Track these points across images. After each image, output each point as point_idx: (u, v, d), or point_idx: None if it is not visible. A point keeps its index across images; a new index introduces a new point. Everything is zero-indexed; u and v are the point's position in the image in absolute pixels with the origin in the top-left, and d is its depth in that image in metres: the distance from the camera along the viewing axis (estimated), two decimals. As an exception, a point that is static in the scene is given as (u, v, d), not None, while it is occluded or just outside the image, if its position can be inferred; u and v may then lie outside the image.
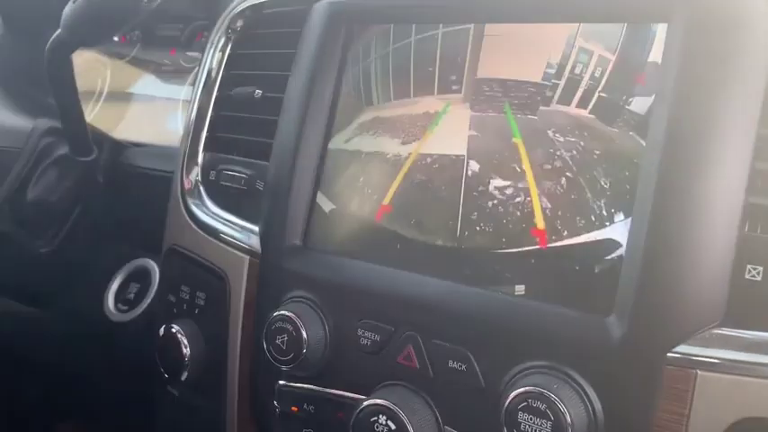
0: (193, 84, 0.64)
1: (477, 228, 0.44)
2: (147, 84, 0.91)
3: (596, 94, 0.41)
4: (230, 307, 0.53)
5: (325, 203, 0.50)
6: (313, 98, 0.51)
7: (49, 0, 0.90)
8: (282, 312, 0.47)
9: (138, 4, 0.54)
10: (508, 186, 0.43)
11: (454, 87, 0.46)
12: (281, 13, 0.57)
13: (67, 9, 0.58)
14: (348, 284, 0.47)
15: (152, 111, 0.87)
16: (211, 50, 0.61)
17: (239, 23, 0.60)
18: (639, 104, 0.40)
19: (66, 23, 0.58)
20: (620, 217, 0.39)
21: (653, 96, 0.39)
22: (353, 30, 0.51)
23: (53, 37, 0.61)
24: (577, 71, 0.42)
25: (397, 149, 0.47)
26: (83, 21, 0.57)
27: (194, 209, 0.58)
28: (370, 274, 0.46)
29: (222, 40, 0.60)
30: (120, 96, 0.91)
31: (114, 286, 0.74)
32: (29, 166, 0.70)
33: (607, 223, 0.40)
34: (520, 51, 0.44)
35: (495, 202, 0.43)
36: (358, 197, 0.49)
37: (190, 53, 0.86)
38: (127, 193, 0.75)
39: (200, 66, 0.62)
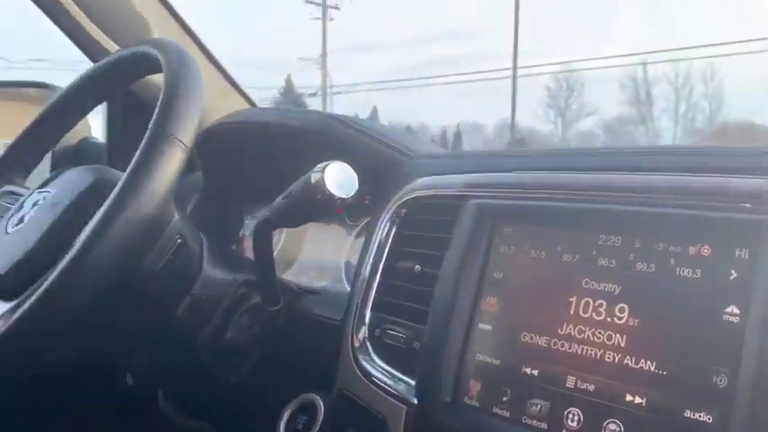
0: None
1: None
2: (313, 236, 1.08)
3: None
4: (389, 448, 0.64)
5: (472, 363, 0.61)
6: (463, 275, 0.63)
7: (245, 163, 1.13)
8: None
9: (334, 204, 0.69)
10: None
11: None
12: (438, 204, 0.71)
13: (279, 200, 0.75)
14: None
15: (321, 262, 1.03)
16: (381, 229, 0.75)
17: (403, 211, 0.75)
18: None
19: (275, 211, 0.76)
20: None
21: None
22: (498, 225, 0.63)
23: (262, 218, 0.78)
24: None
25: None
26: (289, 212, 0.74)
27: (363, 363, 0.71)
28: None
29: (388, 224, 0.75)
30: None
31: (285, 416, 0.87)
32: (228, 312, 0.87)
33: None
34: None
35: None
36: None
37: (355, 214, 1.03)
38: (298, 335, 0.89)
39: (371, 238, 0.77)
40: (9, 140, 1.03)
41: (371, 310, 0.73)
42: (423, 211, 0.73)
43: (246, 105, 1.31)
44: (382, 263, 0.74)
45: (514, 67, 20.52)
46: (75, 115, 1.02)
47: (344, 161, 0.73)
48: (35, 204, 0.79)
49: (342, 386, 0.73)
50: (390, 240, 0.74)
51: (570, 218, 0.60)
